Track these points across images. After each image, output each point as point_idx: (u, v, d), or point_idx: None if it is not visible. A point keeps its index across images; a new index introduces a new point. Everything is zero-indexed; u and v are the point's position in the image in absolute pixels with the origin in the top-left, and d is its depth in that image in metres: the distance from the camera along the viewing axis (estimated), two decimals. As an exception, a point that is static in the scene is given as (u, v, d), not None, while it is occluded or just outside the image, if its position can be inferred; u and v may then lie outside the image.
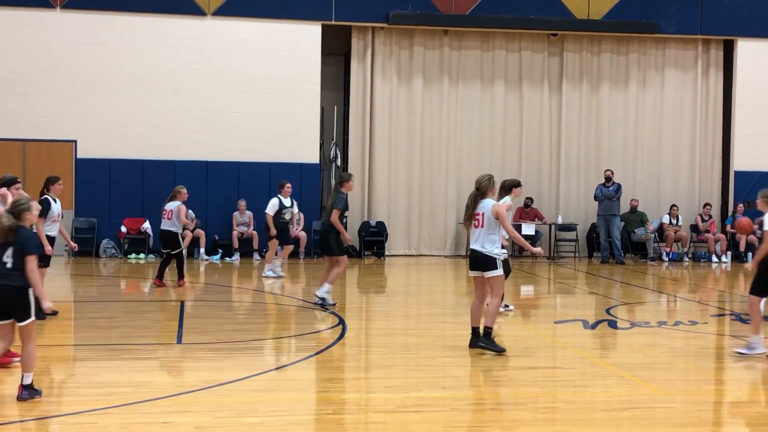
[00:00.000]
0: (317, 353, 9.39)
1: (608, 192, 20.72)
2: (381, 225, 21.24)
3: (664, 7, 21.89)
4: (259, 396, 7.57)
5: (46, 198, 11.64)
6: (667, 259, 21.26)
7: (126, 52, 20.01)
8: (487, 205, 9.36)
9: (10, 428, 6.33)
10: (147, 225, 19.48)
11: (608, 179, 20.84)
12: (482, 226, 9.29)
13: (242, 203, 19.95)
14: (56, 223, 11.74)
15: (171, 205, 14.44)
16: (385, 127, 21.57)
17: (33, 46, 19.68)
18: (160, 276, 14.47)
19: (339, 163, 21.81)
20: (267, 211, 16.13)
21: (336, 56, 22.19)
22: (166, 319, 11.67)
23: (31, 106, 19.63)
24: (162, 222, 14.56)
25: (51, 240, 11.48)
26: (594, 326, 11.39)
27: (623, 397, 7.75)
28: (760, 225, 9.48)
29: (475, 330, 9.41)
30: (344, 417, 7.04)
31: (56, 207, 11.72)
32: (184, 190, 14.72)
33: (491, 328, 9.41)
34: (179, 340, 9.93)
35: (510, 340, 10.73)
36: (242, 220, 19.99)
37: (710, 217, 21.69)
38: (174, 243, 14.40)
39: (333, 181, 21.70)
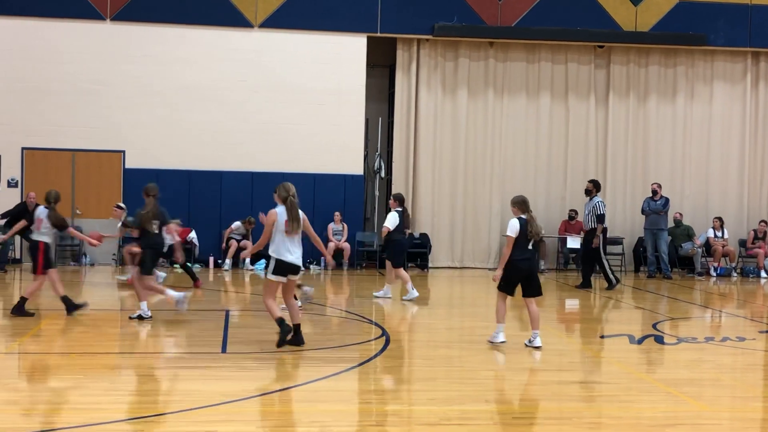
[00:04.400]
0: (360, 364, 9.40)
1: (655, 206, 20.49)
2: (425, 237, 21.23)
3: (712, 19, 21.67)
4: (303, 406, 7.59)
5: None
6: (714, 274, 20.96)
7: (174, 63, 20.27)
8: None
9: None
10: (193, 235, 19.66)
11: (655, 193, 20.62)
12: None
13: (287, 214, 20.03)
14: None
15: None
16: (429, 138, 21.57)
17: (83, 58, 20.01)
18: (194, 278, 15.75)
19: (383, 174, 21.86)
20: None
21: (381, 68, 22.27)
22: (211, 329, 11.75)
23: (80, 116, 19.95)
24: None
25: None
26: (640, 341, 11.27)
27: (669, 413, 7.65)
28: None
29: None
30: (387, 429, 7.03)
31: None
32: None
33: None
34: (224, 350, 9.99)
35: (555, 354, 10.66)
36: (287, 231, 20.08)
37: (766, 234, 21.28)
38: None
39: (377, 193, 21.78)
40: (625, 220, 22.16)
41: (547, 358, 10.38)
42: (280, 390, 7.99)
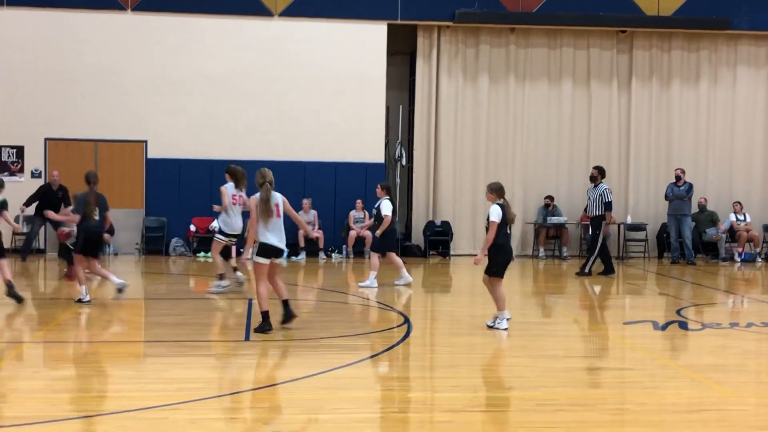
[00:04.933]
0: (383, 352, 9.41)
1: (679, 191, 20.34)
2: (446, 224, 21.19)
3: (735, 2, 21.44)
4: (326, 393, 7.61)
5: None
6: (739, 259, 20.81)
7: (195, 53, 20.31)
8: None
9: (84, 422, 6.47)
10: (215, 224, 19.69)
11: (678, 178, 20.47)
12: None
13: (307, 202, 20.10)
14: None
15: None
16: (450, 126, 21.51)
17: (105, 48, 20.09)
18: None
19: (404, 162, 21.82)
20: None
21: (401, 55, 22.21)
22: (234, 317, 11.80)
23: (103, 106, 20.04)
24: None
25: None
26: (664, 327, 11.21)
27: (694, 399, 7.61)
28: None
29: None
30: (410, 416, 7.03)
31: None
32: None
33: None
34: (247, 338, 10.03)
35: (579, 341, 10.64)
36: (307, 219, 20.12)
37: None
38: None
39: (398, 181, 21.75)
40: (648, 206, 22.02)
41: (571, 345, 10.35)
42: (302, 377, 8.01)
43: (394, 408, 7.28)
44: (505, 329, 10.60)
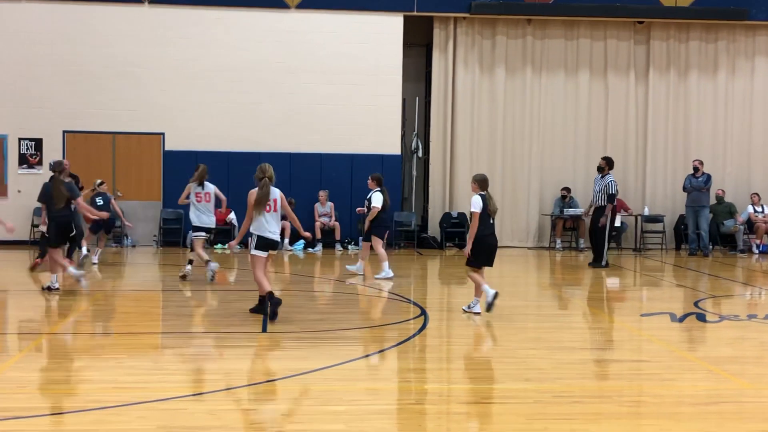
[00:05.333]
0: (399, 343, 9.43)
1: (697, 183, 20.25)
2: (462, 216, 21.18)
3: (754, -7, 21.33)
4: (343, 385, 7.64)
5: None
6: (757, 251, 20.71)
7: (212, 45, 20.37)
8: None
9: (103, 412, 6.52)
10: (233, 216, 19.79)
11: (696, 170, 20.38)
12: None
13: (323, 194, 20.13)
14: None
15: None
16: (466, 117, 21.48)
17: (122, 41, 20.18)
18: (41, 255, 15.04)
19: (420, 154, 21.82)
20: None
21: (418, 47, 22.19)
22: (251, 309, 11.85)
23: (120, 99, 20.14)
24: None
25: None
26: (682, 319, 11.18)
27: (711, 391, 7.59)
28: None
29: None
30: (426, 407, 7.05)
31: None
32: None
33: None
34: (264, 329, 10.07)
35: (595, 333, 10.63)
36: (324, 211, 20.18)
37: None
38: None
39: (414, 173, 21.75)
40: (665, 198, 21.94)
41: (588, 337, 10.35)
42: (320, 369, 8.04)
43: (410, 399, 7.30)
44: (477, 313, 11.03)
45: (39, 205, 18.99)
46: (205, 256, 14.26)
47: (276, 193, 10.81)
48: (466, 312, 11.15)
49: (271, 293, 10.52)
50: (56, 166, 12.99)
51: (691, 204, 20.36)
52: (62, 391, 7.20)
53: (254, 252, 10.71)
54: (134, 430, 6.13)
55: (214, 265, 14.12)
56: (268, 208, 10.66)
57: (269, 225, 10.68)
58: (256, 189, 10.72)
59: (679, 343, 9.89)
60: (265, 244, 10.66)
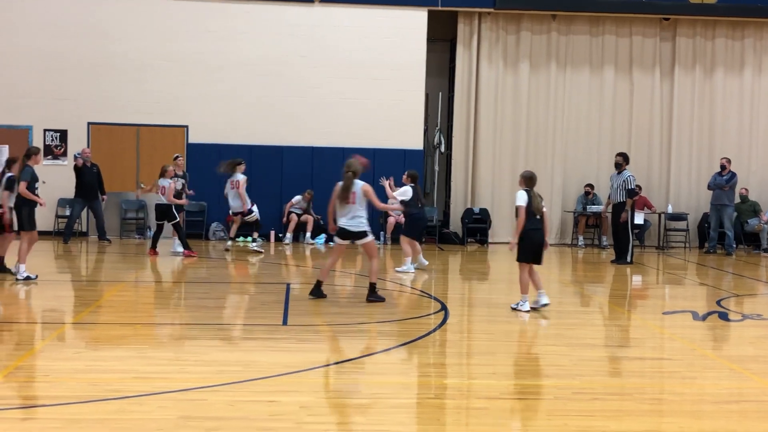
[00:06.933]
0: (420, 338, 9.42)
1: (720, 181, 20.10)
2: (484, 212, 21.14)
3: (782, -11, 21.12)
4: (363, 378, 7.64)
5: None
6: (782, 250, 20.55)
7: (237, 39, 20.42)
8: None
9: (124, 402, 6.56)
10: (255, 209, 19.83)
11: (723, 168, 20.21)
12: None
13: (347, 188, 20.15)
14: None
15: (162, 182, 16.91)
16: (490, 113, 21.42)
17: (147, 34, 20.27)
18: (153, 246, 16.94)
19: (443, 149, 21.79)
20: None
21: (442, 42, 22.15)
22: (272, 301, 11.87)
23: (145, 92, 20.24)
24: (158, 197, 17.00)
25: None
26: (704, 318, 11.11)
27: (733, 390, 7.54)
28: None
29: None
30: (446, 402, 7.05)
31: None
32: (171, 168, 16.97)
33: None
34: (285, 322, 10.10)
35: (616, 330, 10.59)
36: (347, 205, 20.19)
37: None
38: (168, 215, 16.86)
39: (437, 168, 21.73)
40: (690, 196, 21.80)
41: (609, 334, 10.31)
42: (339, 362, 8.05)
43: (430, 394, 7.30)
44: (527, 311, 10.95)
45: (63, 195, 19.36)
46: (232, 233, 17.76)
47: (357, 185, 11.26)
48: (515, 309, 11.08)
49: (319, 282, 11.62)
50: (29, 151, 13.16)
51: (714, 202, 20.22)
52: (84, 381, 7.25)
53: (335, 240, 11.53)
54: (155, 419, 6.17)
55: (229, 243, 17.64)
56: (348, 199, 11.18)
57: (347, 216, 11.24)
58: (340, 182, 11.32)
59: (701, 342, 9.83)
60: (342, 233, 11.33)
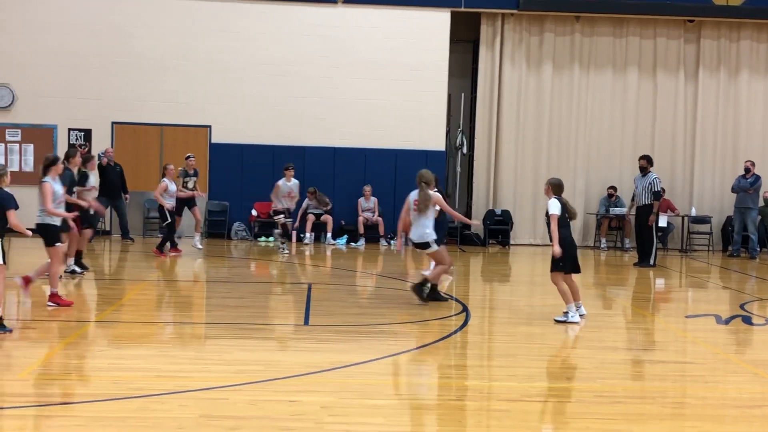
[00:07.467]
0: (440, 339, 9.42)
1: (744, 184, 19.95)
2: (506, 213, 21.08)
3: (808, -9, 20.93)
4: (384, 379, 7.65)
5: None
6: (807, 254, 20.36)
7: (259, 39, 20.48)
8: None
9: (146, 400, 6.59)
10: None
11: (747, 170, 20.04)
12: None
13: (368, 189, 20.17)
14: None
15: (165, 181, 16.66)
16: (512, 114, 21.37)
17: (171, 34, 20.37)
18: (173, 245, 16.84)
19: (465, 150, 21.75)
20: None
21: (465, 43, 22.11)
22: (294, 301, 11.92)
23: (169, 92, 20.33)
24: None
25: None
26: (727, 321, 11.03)
27: (756, 395, 7.48)
28: None
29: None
30: (466, 403, 7.04)
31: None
32: (171, 167, 16.75)
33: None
34: (306, 322, 10.12)
35: (639, 333, 10.53)
36: (367, 206, 20.21)
37: None
38: (161, 214, 16.62)
39: (458, 169, 21.69)
40: (713, 199, 21.65)
41: (631, 337, 10.26)
42: (360, 363, 8.06)
43: (451, 396, 7.29)
44: (575, 323, 10.41)
45: (127, 199, 19.54)
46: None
47: (413, 194, 11.59)
48: (558, 322, 10.42)
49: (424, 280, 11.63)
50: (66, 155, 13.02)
51: (738, 205, 20.06)
52: (106, 379, 7.30)
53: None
54: (176, 418, 6.20)
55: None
56: (413, 209, 11.50)
57: (414, 225, 11.55)
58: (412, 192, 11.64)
59: (724, 346, 9.75)
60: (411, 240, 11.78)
